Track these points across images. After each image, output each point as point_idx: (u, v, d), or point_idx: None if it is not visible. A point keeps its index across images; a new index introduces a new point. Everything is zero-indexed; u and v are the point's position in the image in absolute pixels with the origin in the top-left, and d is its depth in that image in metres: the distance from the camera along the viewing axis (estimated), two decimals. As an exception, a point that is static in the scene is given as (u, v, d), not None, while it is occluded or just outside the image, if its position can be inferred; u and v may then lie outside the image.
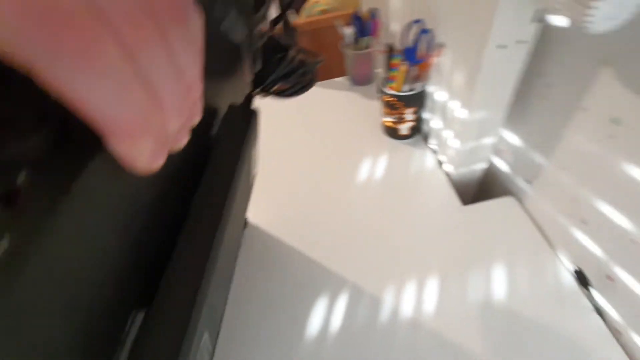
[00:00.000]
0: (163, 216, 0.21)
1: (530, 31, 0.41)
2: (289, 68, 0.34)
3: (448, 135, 0.59)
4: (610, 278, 0.42)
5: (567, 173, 0.46)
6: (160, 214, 0.20)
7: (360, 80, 0.84)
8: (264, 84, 0.33)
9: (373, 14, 0.74)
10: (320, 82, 0.95)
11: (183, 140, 0.15)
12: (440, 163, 0.66)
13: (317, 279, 0.52)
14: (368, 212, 0.60)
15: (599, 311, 0.45)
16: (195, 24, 0.13)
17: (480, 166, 0.62)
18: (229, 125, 0.27)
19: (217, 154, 0.25)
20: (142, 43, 0.10)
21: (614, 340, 0.43)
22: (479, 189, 0.69)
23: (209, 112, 0.24)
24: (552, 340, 0.43)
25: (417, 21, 0.53)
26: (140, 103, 0.11)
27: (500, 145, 0.59)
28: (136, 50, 0.10)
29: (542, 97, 0.46)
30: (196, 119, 0.15)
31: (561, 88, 0.43)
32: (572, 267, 0.49)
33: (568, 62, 0.41)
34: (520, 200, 0.58)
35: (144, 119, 0.11)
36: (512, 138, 0.55)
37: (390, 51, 0.57)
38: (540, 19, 0.40)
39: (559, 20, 0.39)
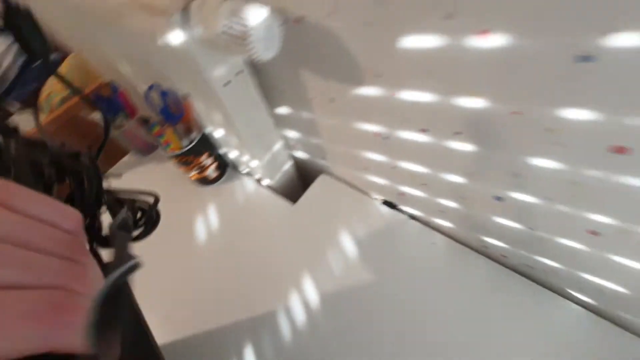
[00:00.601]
0: None
1: (240, 62, 0.48)
2: (130, 222, 0.30)
3: (247, 158, 0.64)
4: (401, 194, 0.56)
5: (335, 143, 0.57)
6: None
7: (146, 150, 0.80)
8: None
9: (114, 88, 0.70)
10: (111, 170, 0.86)
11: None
12: (258, 181, 0.71)
13: (217, 349, 0.51)
14: (225, 259, 0.60)
15: (412, 216, 0.60)
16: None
17: (287, 166, 0.70)
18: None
19: None
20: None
21: (427, 228, 0.58)
22: (303, 182, 0.78)
23: None
24: (400, 254, 0.55)
25: (151, 87, 0.54)
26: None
27: (290, 142, 0.68)
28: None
29: (285, 100, 0.55)
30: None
31: (290, 90, 0.52)
32: (381, 200, 0.62)
33: (283, 71, 0.50)
34: (330, 174, 0.69)
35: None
36: (292, 133, 0.64)
37: (147, 123, 0.57)
38: (240, 51, 0.47)
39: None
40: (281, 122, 0.62)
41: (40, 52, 0.23)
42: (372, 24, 0.32)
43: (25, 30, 0.21)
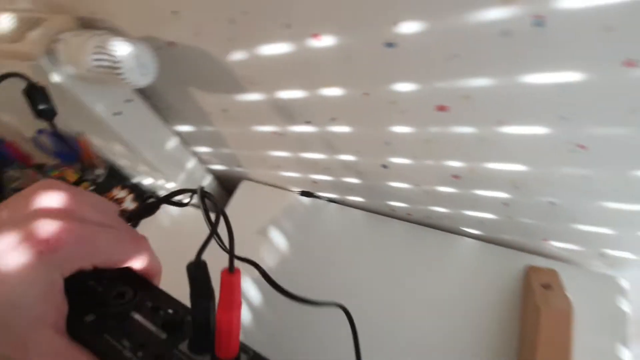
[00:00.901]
0: None
1: (127, 90, 0.49)
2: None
3: (162, 182, 0.64)
4: (314, 182, 0.62)
5: (244, 149, 0.60)
6: None
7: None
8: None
9: (-2, 140, 0.65)
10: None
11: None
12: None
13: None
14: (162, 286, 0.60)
15: (330, 200, 0.66)
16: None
17: (208, 180, 0.72)
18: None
19: None
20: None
21: (345, 207, 0.64)
22: (227, 191, 0.80)
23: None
24: (326, 235, 0.61)
25: (39, 131, 0.52)
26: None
27: (203, 157, 0.70)
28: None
29: (185, 118, 0.57)
30: None
31: (186, 108, 0.54)
32: (299, 192, 0.67)
33: (174, 92, 0.52)
34: (250, 178, 0.72)
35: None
36: (202, 149, 0.66)
37: (42, 170, 0.55)
38: (124, 80, 0.48)
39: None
40: (188, 139, 0.63)
41: (48, 116, 0.32)
42: (233, 40, 0.37)
43: (39, 101, 0.30)
